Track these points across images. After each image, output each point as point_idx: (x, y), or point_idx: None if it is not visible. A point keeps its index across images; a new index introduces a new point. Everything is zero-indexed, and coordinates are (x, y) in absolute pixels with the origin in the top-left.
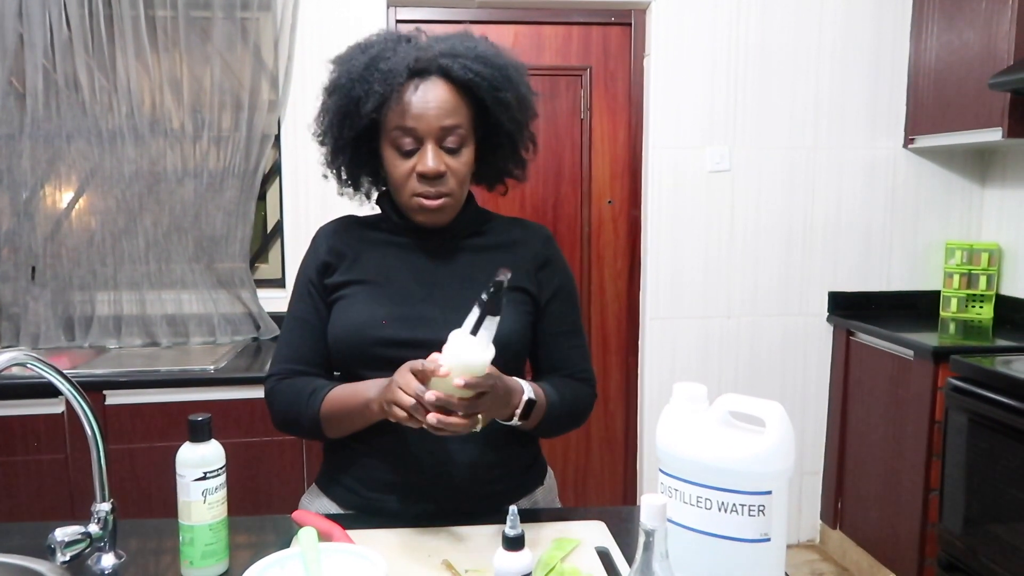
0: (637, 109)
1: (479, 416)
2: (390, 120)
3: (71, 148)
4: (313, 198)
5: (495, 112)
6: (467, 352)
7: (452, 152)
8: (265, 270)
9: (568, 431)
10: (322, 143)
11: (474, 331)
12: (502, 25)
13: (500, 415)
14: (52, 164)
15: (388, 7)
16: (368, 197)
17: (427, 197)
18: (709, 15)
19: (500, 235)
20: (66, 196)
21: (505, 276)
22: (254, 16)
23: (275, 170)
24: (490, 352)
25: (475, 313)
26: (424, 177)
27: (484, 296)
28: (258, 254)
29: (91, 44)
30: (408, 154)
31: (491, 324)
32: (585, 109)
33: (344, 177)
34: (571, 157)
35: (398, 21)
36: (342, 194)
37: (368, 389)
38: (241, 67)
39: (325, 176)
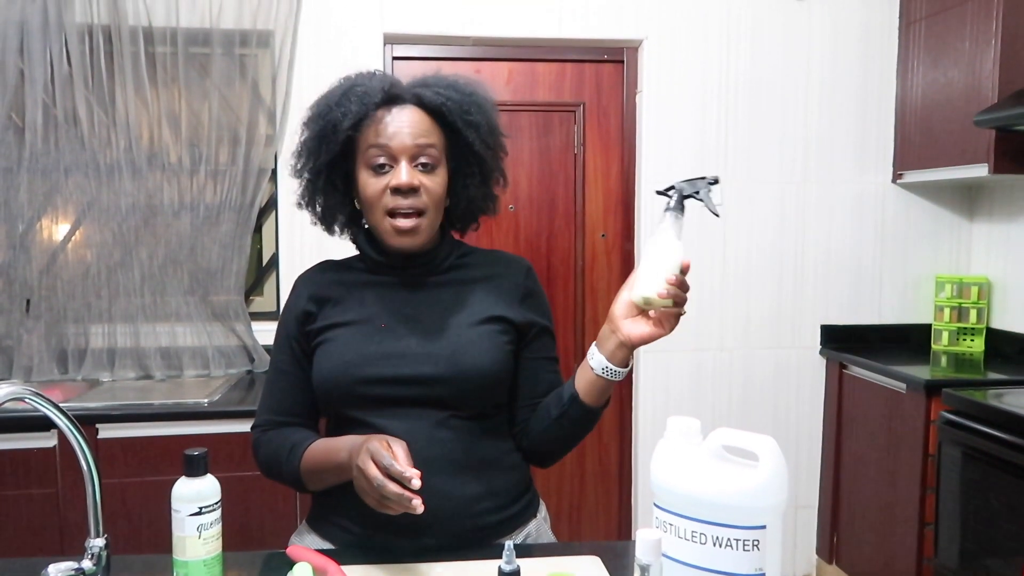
0: (630, 144)
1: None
2: (365, 140)
3: (69, 181)
4: (308, 231)
5: (466, 134)
6: (667, 252)
7: (426, 170)
8: (260, 302)
9: (583, 436)
10: (299, 175)
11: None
12: (497, 62)
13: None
14: (49, 197)
15: (385, 44)
16: (342, 230)
17: (401, 213)
18: (699, 53)
19: (480, 268)
20: (62, 229)
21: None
22: (252, 53)
23: (271, 203)
24: (682, 249)
25: (667, 218)
26: (398, 191)
27: (672, 199)
28: (253, 287)
29: (91, 80)
30: (382, 173)
31: (677, 223)
32: (578, 144)
33: (319, 209)
34: (565, 191)
35: (394, 58)
36: (315, 223)
37: (340, 451)
38: (239, 102)
39: (299, 205)
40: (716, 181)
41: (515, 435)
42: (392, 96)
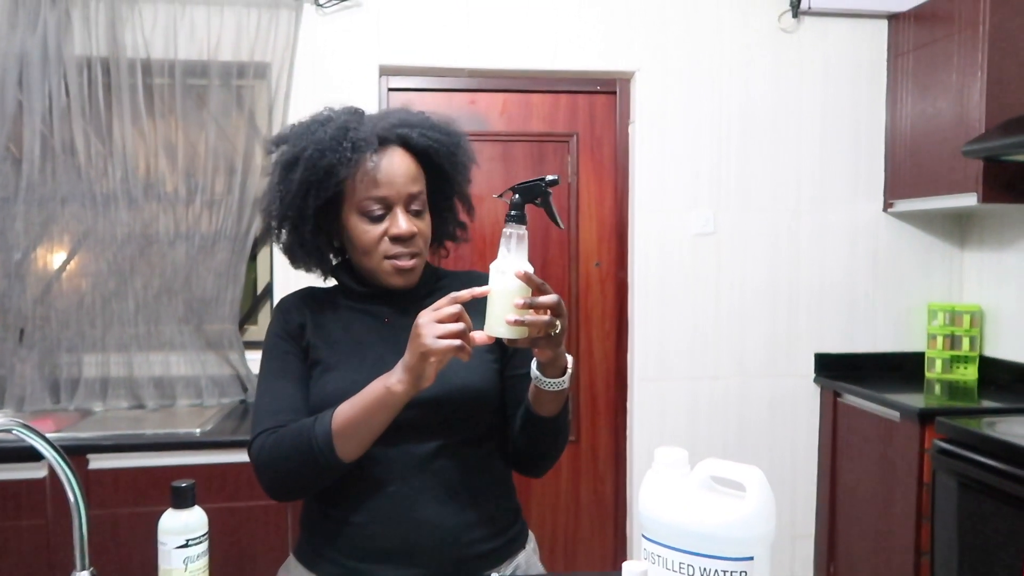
0: (623, 174)
1: (557, 321)
2: (358, 190)
3: (65, 211)
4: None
5: (453, 175)
6: (508, 266)
7: (418, 215)
8: (254, 331)
9: (559, 449)
10: (270, 216)
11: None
12: (492, 93)
13: (560, 361)
14: (45, 227)
15: (380, 76)
16: (324, 273)
17: (401, 258)
18: (692, 85)
19: (459, 288)
20: (58, 258)
21: (511, 196)
22: (249, 84)
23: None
24: (528, 267)
25: (505, 235)
26: (398, 239)
27: (511, 213)
28: (247, 316)
29: (88, 111)
30: (378, 220)
31: (516, 238)
32: (572, 174)
33: (302, 253)
34: None
35: (390, 89)
36: (298, 267)
37: (376, 381)
38: (235, 133)
39: (283, 250)
40: (555, 182)
41: (501, 445)
42: (382, 139)
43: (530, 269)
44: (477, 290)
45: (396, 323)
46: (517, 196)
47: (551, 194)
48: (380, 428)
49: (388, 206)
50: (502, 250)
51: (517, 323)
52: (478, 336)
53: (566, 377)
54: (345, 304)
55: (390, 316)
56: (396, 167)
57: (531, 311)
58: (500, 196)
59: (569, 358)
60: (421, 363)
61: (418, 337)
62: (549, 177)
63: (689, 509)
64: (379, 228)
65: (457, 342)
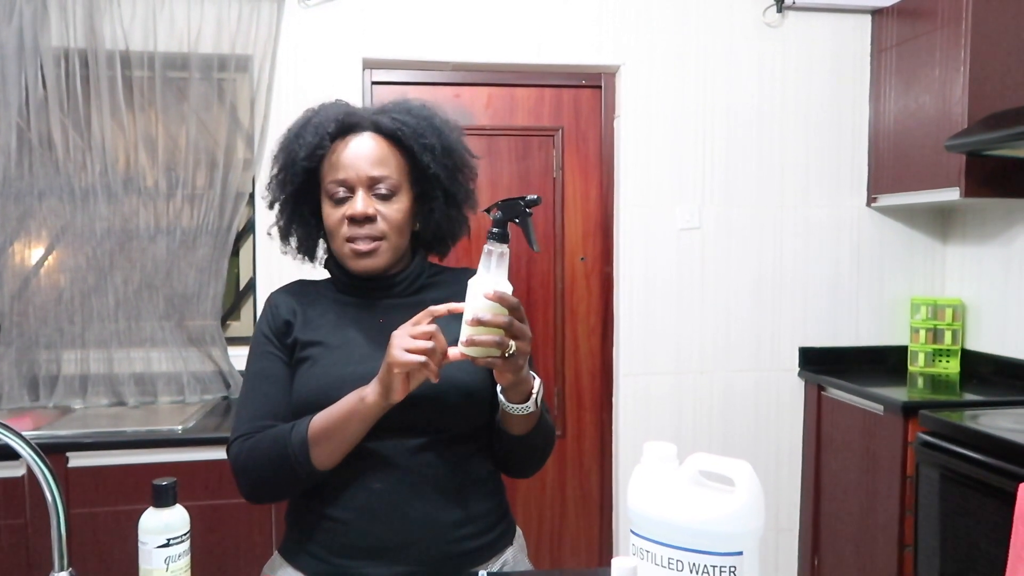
0: (608, 168)
1: (512, 343)
2: (326, 174)
3: (42, 206)
4: (286, 256)
5: (421, 157)
6: (484, 285)
7: (384, 199)
8: (237, 327)
9: (543, 457)
10: (271, 208)
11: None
12: (476, 87)
13: (524, 387)
14: (22, 222)
15: (364, 69)
16: (311, 258)
17: (357, 241)
18: (677, 79)
19: (451, 286)
20: (35, 253)
21: (496, 213)
22: (231, 77)
23: (248, 228)
24: (507, 285)
25: (485, 252)
26: (353, 220)
27: (493, 230)
28: (230, 311)
29: (67, 103)
30: (341, 202)
31: (502, 259)
32: (557, 168)
33: (293, 241)
34: (544, 215)
35: (373, 83)
36: (285, 252)
37: (349, 396)
38: (217, 126)
39: (268, 234)
40: (535, 202)
41: (489, 443)
42: (349, 125)
43: (508, 289)
44: (454, 305)
45: (385, 318)
46: (500, 213)
47: (531, 214)
48: (355, 438)
49: (351, 189)
50: (481, 267)
51: (469, 342)
52: (452, 352)
53: (530, 403)
54: (335, 297)
55: (380, 309)
56: (360, 150)
57: (483, 330)
58: (488, 211)
59: (537, 381)
60: (388, 375)
61: (389, 348)
62: (529, 197)
63: (678, 504)
64: (340, 211)
65: (422, 358)
